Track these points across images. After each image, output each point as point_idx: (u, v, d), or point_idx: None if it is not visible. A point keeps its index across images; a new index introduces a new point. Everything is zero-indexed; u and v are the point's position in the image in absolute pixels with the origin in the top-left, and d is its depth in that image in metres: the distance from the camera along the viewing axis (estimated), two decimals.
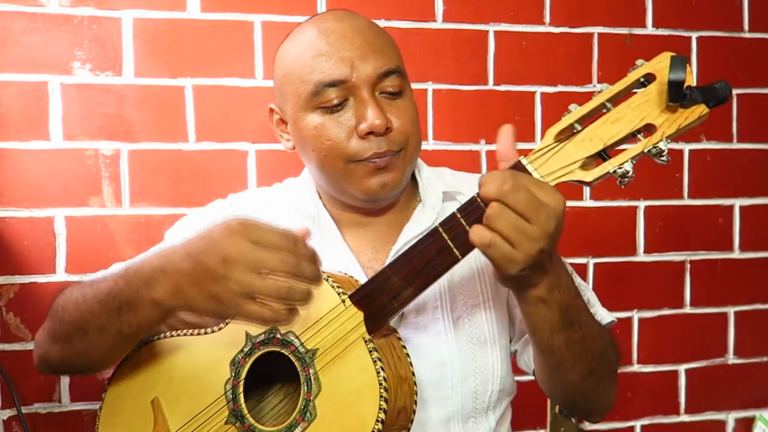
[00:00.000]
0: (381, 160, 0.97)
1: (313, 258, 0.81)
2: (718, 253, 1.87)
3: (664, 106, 0.77)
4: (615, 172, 0.79)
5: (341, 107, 0.97)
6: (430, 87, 1.70)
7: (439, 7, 1.70)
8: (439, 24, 1.70)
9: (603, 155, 0.80)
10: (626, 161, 0.78)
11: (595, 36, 1.77)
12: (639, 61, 0.81)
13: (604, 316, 1.07)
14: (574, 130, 0.81)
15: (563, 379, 0.93)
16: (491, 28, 1.73)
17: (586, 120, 0.81)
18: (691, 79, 0.77)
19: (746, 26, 1.85)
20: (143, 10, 1.57)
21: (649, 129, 0.78)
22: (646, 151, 0.78)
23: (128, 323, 0.88)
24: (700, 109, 0.77)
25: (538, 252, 0.76)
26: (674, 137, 0.78)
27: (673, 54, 0.77)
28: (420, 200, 1.09)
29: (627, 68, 0.83)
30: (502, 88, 1.74)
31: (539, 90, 1.76)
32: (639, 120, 0.78)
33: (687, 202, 1.84)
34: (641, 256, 1.83)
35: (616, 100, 0.81)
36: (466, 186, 1.10)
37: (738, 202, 1.87)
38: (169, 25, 1.58)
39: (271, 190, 1.17)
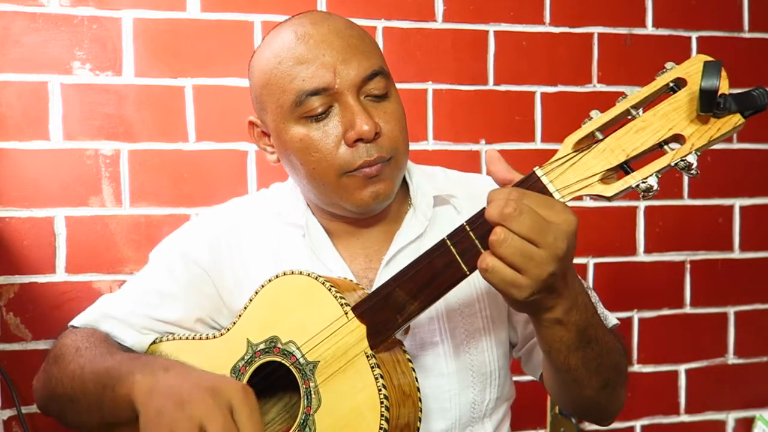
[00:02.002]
0: (371, 168, 0.92)
1: None
2: (718, 253, 1.87)
3: (695, 115, 0.70)
4: (638, 186, 0.72)
5: (326, 115, 0.92)
6: (430, 87, 1.70)
7: (439, 7, 1.70)
8: (439, 24, 1.70)
9: (625, 167, 0.73)
10: (650, 175, 0.72)
11: (595, 36, 1.77)
12: (669, 64, 0.73)
13: (609, 319, 1.04)
14: (595, 139, 0.74)
15: (578, 393, 0.90)
16: (491, 28, 1.73)
17: (608, 128, 0.75)
18: (726, 85, 0.69)
19: (746, 26, 1.85)
20: (143, 10, 1.57)
21: (677, 140, 0.72)
22: (673, 164, 0.71)
23: (106, 413, 0.86)
24: (735, 120, 0.69)
25: (548, 276, 0.72)
26: (704, 150, 0.71)
27: (708, 58, 0.70)
28: (411, 205, 1.05)
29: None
30: (502, 88, 1.74)
31: (539, 90, 1.76)
32: (666, 130, 0.71)
33: (687, 202, 1.84)
34: (641, 256, 1.83)
35: (642, 106, 0.74)
36: (458, 188, 1.07)
37: (738, 202, 1.87)
38: (169, 25, 1.58)
39: (257, 199, 1.13)
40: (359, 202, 0.95)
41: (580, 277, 1.05)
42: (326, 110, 0.92)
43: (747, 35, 1.85)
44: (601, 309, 1.02)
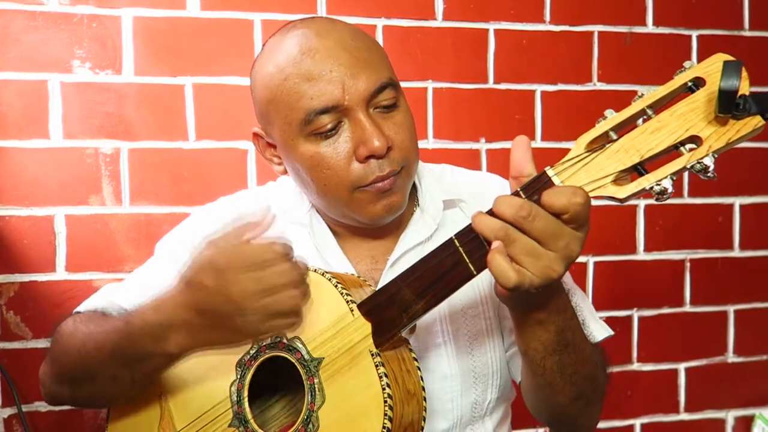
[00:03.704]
0: (384, 183, 0.92)
1: (290, 252, 0.83)
2: (718, 251, 1.87)
3: (713, 116, 0.68)
4: (652, 188, 0.71)
5: (336, 131, 0.91)
6: (430, 85, 1.70)
7: (440, 6, 1.70)
8: (439, 22, 1.70)
9: (639, 169, 0.71)
10: (665, 177, 0.70)
11: (596, 34, 1.77)
12: (687, 63, 0.71)
13: (599, 332, 1.03)
14: (609, 139, 0.72)
15: (550, 399, 0.90)
16: (491, 27, 1.73)
17: (623, 128, 0.72)
18: (747, 86, 0.67)
19: (746, 25, 1.85)
20: (143, 8, 1.57)
21: (693, 141, 0.69)
22: (688, 166, 0.69)
23: (142, 372, 0.89)
24: (755, 121, 0.67)
25: (558, 277, 0.72)
26: (722, 152, 0.69)
27: (727, 57, 0.68)
28: (418, 205, 1.05)
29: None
30: (503, 86, 1.74)
31: (539, 88, 1.76)
32: (683, 131, 0.69)
33: (687, 200, 1.84)
34: (641, 255, 1.83)
35: (659, 106, 0.71)
36: (466, 190, 1.07)
37: (738, 201, 1.87)
38: (169, 24, 1.58)
39: (263, 191, 1.13)
40: (372, 215, 0.94)
41: (573, 283, 1.05)
42: (335, 126, 0.91)
43: (747, 34, 1.85)
44: (592, 324, 1.02)
